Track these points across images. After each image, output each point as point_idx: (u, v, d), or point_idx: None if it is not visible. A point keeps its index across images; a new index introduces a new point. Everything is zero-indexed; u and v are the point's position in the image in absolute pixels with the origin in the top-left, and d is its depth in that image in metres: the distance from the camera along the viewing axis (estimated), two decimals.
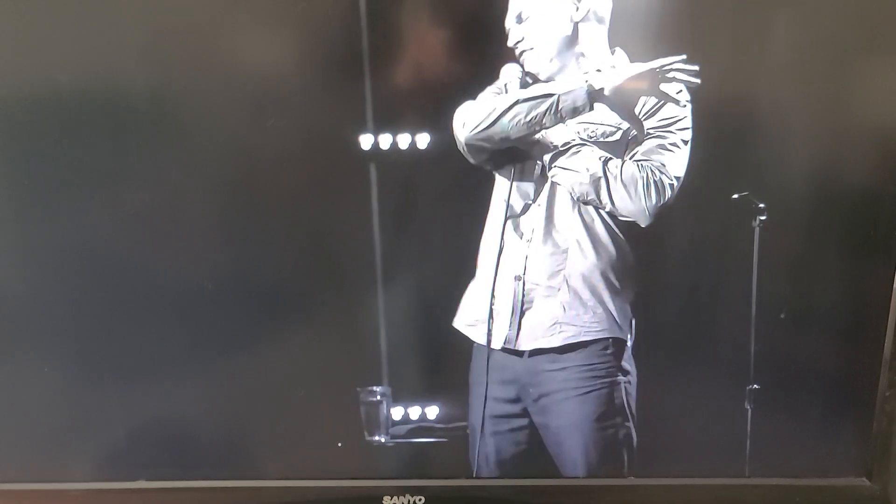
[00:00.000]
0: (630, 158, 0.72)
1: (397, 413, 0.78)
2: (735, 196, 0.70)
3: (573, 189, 0.72)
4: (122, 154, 0.70)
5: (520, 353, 0.76)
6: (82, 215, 0.72)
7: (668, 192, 0.71)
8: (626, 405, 0.76)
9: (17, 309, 0.74)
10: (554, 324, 0.75)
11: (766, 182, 0.70)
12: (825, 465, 0.77)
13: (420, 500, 0.77)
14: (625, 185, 0.71)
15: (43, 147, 0.70)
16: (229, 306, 0.74)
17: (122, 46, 0.67)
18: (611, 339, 0.75)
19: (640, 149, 0.71)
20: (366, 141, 0.69)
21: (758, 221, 0.71)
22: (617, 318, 0.75)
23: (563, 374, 0.76)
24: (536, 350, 0.76)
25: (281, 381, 0.77)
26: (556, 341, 0.75)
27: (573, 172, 0.72)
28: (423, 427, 0.78)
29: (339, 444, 0.78)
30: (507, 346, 0.76)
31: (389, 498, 0.77)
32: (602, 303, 0.74)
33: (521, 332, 0.76)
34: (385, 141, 0.70)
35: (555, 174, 0.73)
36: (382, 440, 0.78)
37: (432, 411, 0.78)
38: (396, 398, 0.78)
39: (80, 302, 0.74)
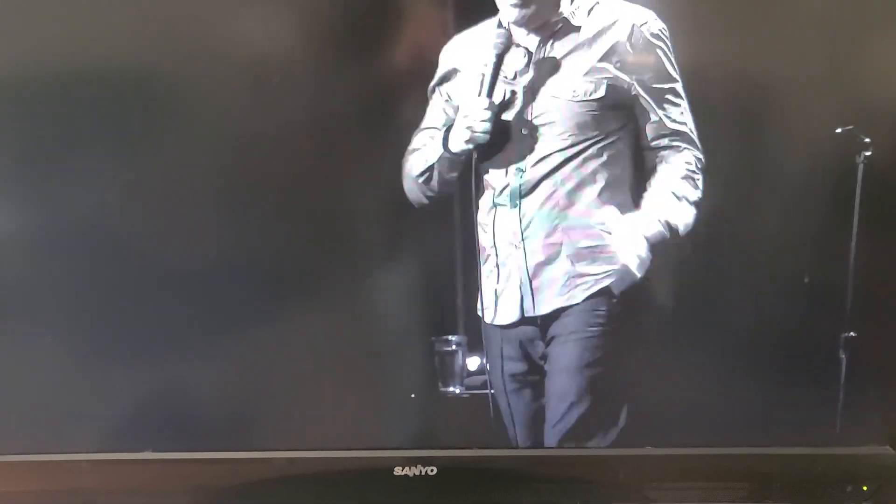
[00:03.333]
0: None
1: (473, 363, 0.76)
2: (839, 130, 0.68)
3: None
4: (133, 128, 0.70)
5: (536, 320, 0.75)
6: (92, 191, 0.71)
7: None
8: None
9: (25, 281, 0.74)
10: (568, 279, 0.74)
11: (872, 116, 0.67)
12: (847, 433, 0.75)
13: (432, 470, 0.76)
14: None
15: (50, 124, 0.69)
16: (254, 271, 0.74)
17: (130, 14, 0.67)
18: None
19: None
20: None
21: (862, 157, 0.68)
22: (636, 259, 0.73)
23: (570, 318, 0.75)
24: (556, 311, 0.75)
25: (297, 352, 0.76)
26: (577, 296, 0.74)
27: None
28: None
29: (413, 395, 0.77)
30: (525, 316, 0.75)
31: (401, 468, 0.76)
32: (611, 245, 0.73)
33: (535, 298, 0.75)
34: None
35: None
36: (457, 391, 0.76)
37: None
38: (472, 348, 0.76)
39: (88, 273, 0.73)
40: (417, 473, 0.76)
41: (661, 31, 0.68)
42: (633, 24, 0.69)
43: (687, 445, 0.76)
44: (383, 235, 0.74)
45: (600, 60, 0.69)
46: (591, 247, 0.73)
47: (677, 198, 0.71)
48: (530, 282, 0.74)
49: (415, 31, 0.68)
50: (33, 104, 0.69)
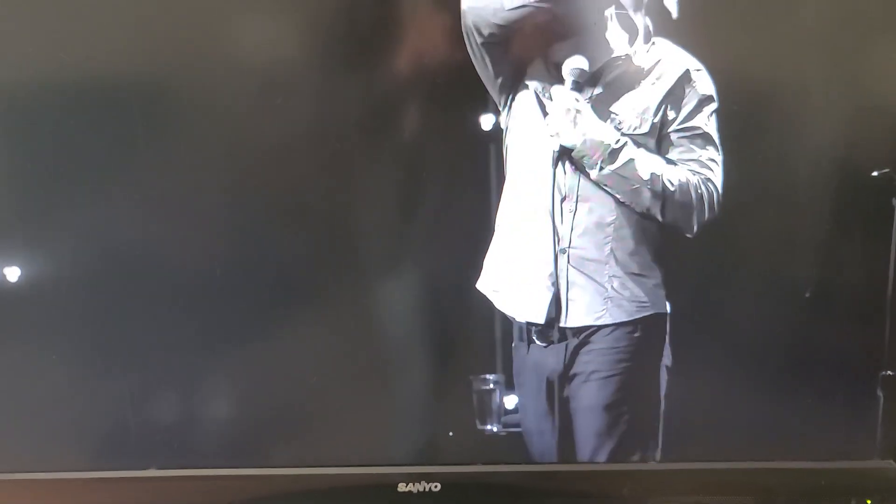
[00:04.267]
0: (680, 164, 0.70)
1: (510, 402, 0.77)
2: (875, 173, 0.69)
3: (623, 196, 0.71)
4: (137, 137, 0.69)
5: (563, 333, 0.75)
6: (93, 203, 0.71)
7: (716, 207, 0.69)
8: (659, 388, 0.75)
9: (26, 295, 0.73)
10: (605, 299, 0.74)
11: None
12: (851, 447, 0.76)
13: (436, 486, 0.76)
14: (681, 201, 0.70)
15: (51, 134, 0.69)
16: (266, 287, 0.74)
17: (136, 21, 0.67)
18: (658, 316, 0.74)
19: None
20: None
21: None
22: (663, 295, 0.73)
23: (600, 354, 0.75)
24: (584, 328, 0.74)
25: (303, 367, 0.76)
26: (607, 319, 0.74)
27: (625, 180, 0.70)
28: None
29: (451, 434, 0.77)
30: (555, 326, 0.74)
31: (404, 485, 0.76)
32: (651, 277, 0.73)
33: (569, 310, 0.74)
34: None
35: (603, 180, 0.70)
36: (495, 429, 0.77)
37: None
38: (510, 386, 0.76)
39: (92, 287, 0.73)
40: (421, 490, 0.76)
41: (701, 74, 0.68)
42: (688, 69, 0.69)
43: (691, 460, 0.76)
44: (400, 257, 0.74)
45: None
46: (635, 274, 0.73)
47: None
48: (568, 290, 0.74)
49: (419, 38, 0.68)
50: (37, 112, 0.69)
